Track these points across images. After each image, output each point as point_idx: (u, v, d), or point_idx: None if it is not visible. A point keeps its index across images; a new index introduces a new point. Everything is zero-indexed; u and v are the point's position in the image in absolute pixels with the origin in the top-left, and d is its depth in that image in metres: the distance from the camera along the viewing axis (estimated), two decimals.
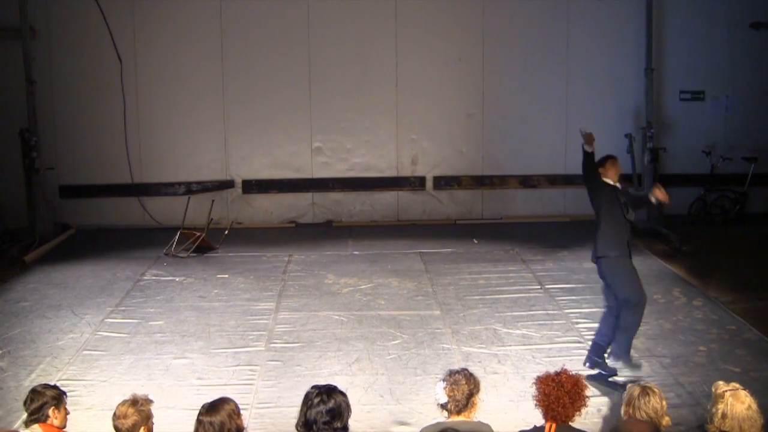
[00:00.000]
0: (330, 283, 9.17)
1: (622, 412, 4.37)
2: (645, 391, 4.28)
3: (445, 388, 4.30)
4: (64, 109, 11.93)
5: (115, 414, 4.23)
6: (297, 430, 3.91)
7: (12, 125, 11.28)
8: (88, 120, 11.99)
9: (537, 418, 4.36)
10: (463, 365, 5.72)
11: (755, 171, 12.28)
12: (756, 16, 12.43)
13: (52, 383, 4.89)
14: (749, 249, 10.83)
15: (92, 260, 10.17)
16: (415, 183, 12.61)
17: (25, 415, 4.65)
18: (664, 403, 4.27)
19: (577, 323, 7.78)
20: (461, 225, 12.38)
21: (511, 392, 6.24)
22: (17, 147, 11.25)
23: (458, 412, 4.27)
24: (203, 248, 10.52)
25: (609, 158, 6.79)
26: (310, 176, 12.49)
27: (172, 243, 10.47)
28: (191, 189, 12.19)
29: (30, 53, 11.32)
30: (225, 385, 6.41)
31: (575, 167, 12.31)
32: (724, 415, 4.12)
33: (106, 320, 7.96)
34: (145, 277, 9.43)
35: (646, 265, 9.82)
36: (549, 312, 8.07)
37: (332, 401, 3.86)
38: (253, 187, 12.47)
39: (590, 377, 6.09)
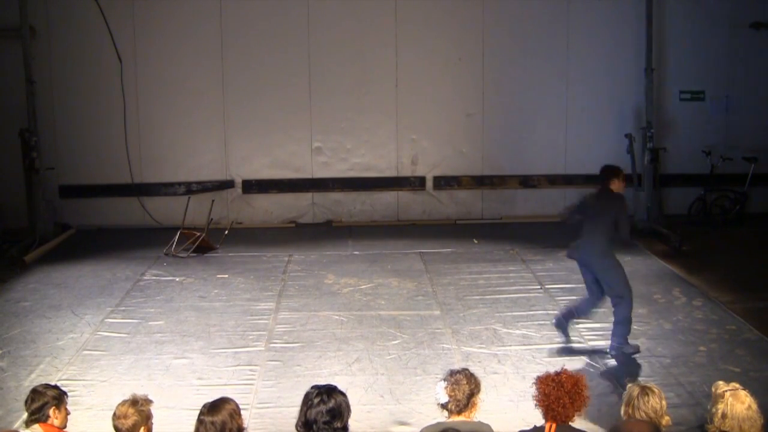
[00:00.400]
0: (330, 283, 9.17)
1: (622, 412, 4.37)
2: (645, 390, 4.28)
3: (446, 387, 4.30)
4: (64, 109, 11.94)
5: (115, 414, 4.22)
6: (297, 430, 3.90)
7: (12, 125, 11.29)
8: (88, 120, 12.00)
9: (537, 418, 4.36)
10: (463, 365, 5.72)
11: (755, 171, 12.27)
12: (756, 16, 12.43)
13: (52, 383, 4.89)
14: (749, 249, 10.83)
15: (92, 260, 10.17)
16: (415, 183, 12.61)
17: (25, 415, 4.65)
18: (663, 402, 4.27)
19: (577, 323, 7.77)
20: (461, 225, 12.38)
21: (511, 392, 6.25)
22: (17, 147, 11.26)
23: (459, 412, 4.27)
24: (203, 248, 10.52)
25: None
26: (310, 176, 12.49)
27: (172, 243, 10.48)
28: (191, 189, 12.19)
29: (30, 53, 11.32)
30: (225, 385, 6.41)
31: (575, 167, 12.48)
32: (724, 415, 4.12)
33: (106, 320, 7.97)
34: (145, 277, 9.43)
35: (646, 265, 9.86)
36: (549, 312, 8.06)
37: (332, 401, 3.86)
38: (253, 187, 12.47)
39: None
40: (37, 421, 4.44)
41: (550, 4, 12.36)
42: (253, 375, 6.66)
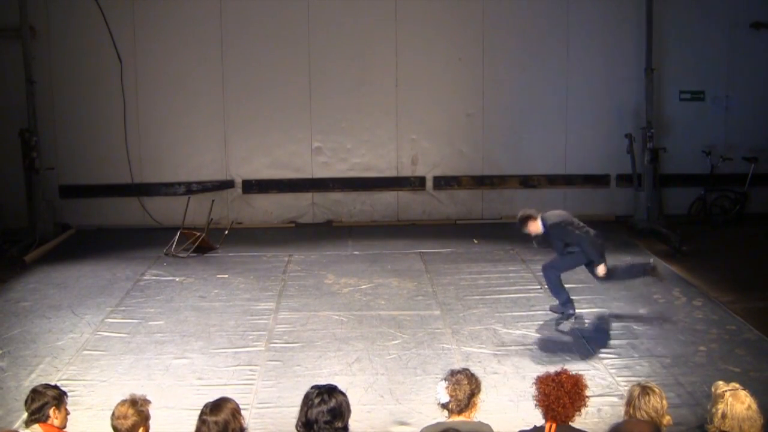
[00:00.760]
0: (330, 283, 9.17)
1: (623, 412, 4.38)
2: (645, 390, 4.28)
3: (447, 387, 4.30)
4: (64, 109, 11.94)
5: (114, 414, 4.22)
6: (297, 430, 3.90)
7: (12, 125, 11.29)
8: (88, 120, 12.00)
9: (537, 418, 4.36)
10: (463, 365, 5.72)
11: (755, 171, 12.28)
12: (756, 16, 12.43)
13: (52, 383, 4.88)
14: (749, 249, 10.82)
15: (92, 260, 10.17)
16: (415, 183, 12.61)
17: (25, 415, 4.65)
18: (664, 402, 4.27)
19: (578, 323, 7.78)
20: (461, 225, 12.39)
21: (511, 392, 6.24)
22: (17, 147, 11.26)
23: (459, 412, 4.27)
24: (203, 248, 10.52)
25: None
26: (310, 176, 12.50)
27: (172, 243, 10.48)
28: (191, 189, 12.19)
29: (30, 53, 11.33)
30: (225, 385, 6.41)
31: (575, 167, 12.50)
32: (724, 415, 4.12)
33: (106, 320, 7.97)
34: (145, 277, 9.43)
35: None
36: (549, 312, 8.06)
37: (333, 401, 3.86)
38: (253, 187, 12.47)
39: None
40: (37, 421, 4.44)
41: (550, 4, 12.36)
42: (253, 375, 6.66)
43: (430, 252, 10.54)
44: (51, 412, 4.46)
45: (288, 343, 7.35)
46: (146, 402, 4.31)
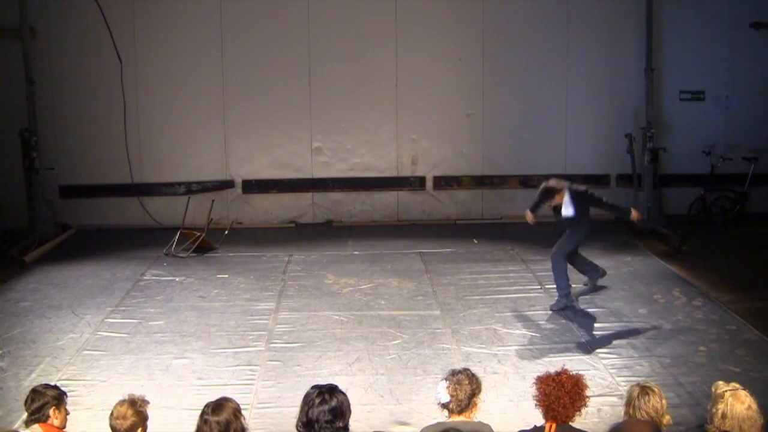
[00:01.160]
0: (330, 283, 9.17)
1: (623, 412, 4.38)
2: (645, 390, 4.28)
3: (447, 387, 4.30)
4: (64, 109, 11.93)
5: (112, 414, 4.22)
6: (297, 429, 3.90)
7: (12, 125, 11.28)
8: (88, 120, 11.99)
9: (537, 418, 4.36)
10: (463, 365, 5.72)
11: (755, 171, 12.28)
12: (756, 16, 12.42)
13: (52, 383, 4.88)
14: (749, 249, 10.82)
15: (92, 260, 10.17)
16: (415, 183, 12.61)
17: (25, 415, 4.65)
18: (664, 401, 4.28)
19: (577, 323, 7.78)
20: (461, 225, 12.38)
21: (511, 392, 6.24)
22: (17, 147, 11.26)
23: (460, 412, 4.27)
24: (203, 248, 10.52)
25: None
26: (310, 176, 12.49)
27: (172, 243, 10.47)
28: (191, 189, 12.19)
29: (30, 53, 11.32)
30: (225, 385, 6.41)
31: (575, 167, 12.49)
32: (724, 415, 4.12)
33: (106, 320, 7.96)
34: (145, 277, 9.43)
35: (646, 264, 9.85)
36: (549, 312, 8.07)
37: (334, 400, 3.86)
38: (253, 187, 12.47)
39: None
40: (37, 421, 4.44)
41: (550, 4, 12.36)
42: (253, 375, 6.65)
43: (430, 252, 10.54)
44: (51, 412, 4.45)
45: (288, 343, 7.35)
46: (145, 402, 4.31)
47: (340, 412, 3.85)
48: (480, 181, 12.62)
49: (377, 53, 12.28)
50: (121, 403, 4.25)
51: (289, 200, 12.54)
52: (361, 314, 8.09)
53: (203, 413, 3.98)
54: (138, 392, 4.50)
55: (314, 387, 3.97)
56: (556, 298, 8.25)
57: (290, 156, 12.44)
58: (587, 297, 8.46)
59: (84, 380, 6.54)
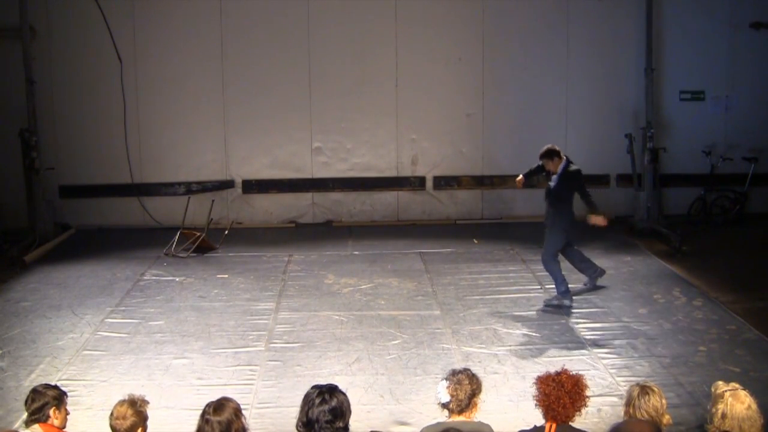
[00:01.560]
0: (330, 283, 9.17)
1: (623, 412, 4.38)
2: (645, 390, 4.28)
3: (448, 387, 4.30)
4: (64, 109, 11.93)
5: (112, 414, 4.21)
6: (298, 429, 3.90)
7: (12, 125, 11.28)
8: (88, 120, 11.99)
9: (537, 418, 4.36)
10: (463, 365, 5.72)
11: (755, 171, 12.28)
12: (756, 16, 12.42)
13: (52, 383, 4.88)
14: (749, 249, 10.82)
15: (92, 260, 10.17)
16: (415, 183, 12.61)
17: (25, 415, 4.65)
18: (664, 401, 4.28)
19: (577, 323, 7.78)
20: (461, 225, 12.38)
21: (511, 392, 6.24)
22: (17, 147, 11.26)
23: (460, 412, 4.27)
24: (203, 248, 10.52)
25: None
26: (310, 176, 12.49)
27: (172, 243, 10.48)
28: (191, 189, 12.19)
29: (30, 53, 11.32)
30: (225, 385, 6.41)
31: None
32: (724, 415, 4.12)
33: (106, 320, 7.96)
34: (145, 277, 9.43)
35: (646, 264, 9.86)
36: (549, 312, 8.06)
37: (334, 400, 3.86)
38: (253, 187, 12.47)
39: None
40: (37, 421, 4.44)
41: (550, 4, 12.35)
42: (253, 375, 6.66)
43: (430, 252, 10.54)
44: (51, 412, 4.45)
45: (288, 343, 7.35)
46: (145, 402, 4.31)
47: (340, 412, 3.85)
48: (480, 181, 12.61)
49: (377, 53, 12.28)
50: (121, 403, 4.25)
51: (289, 200, 12.54)
52: (361, 314, 8.09)
53: (204, 413, 3.98)
54: (138, 392, 4.50)
55: (314, 387, 3.97)
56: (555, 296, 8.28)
57: (290, 156, 12.44)
58: (588, 297, 8.46)
59: (84, 380, 6.54)
